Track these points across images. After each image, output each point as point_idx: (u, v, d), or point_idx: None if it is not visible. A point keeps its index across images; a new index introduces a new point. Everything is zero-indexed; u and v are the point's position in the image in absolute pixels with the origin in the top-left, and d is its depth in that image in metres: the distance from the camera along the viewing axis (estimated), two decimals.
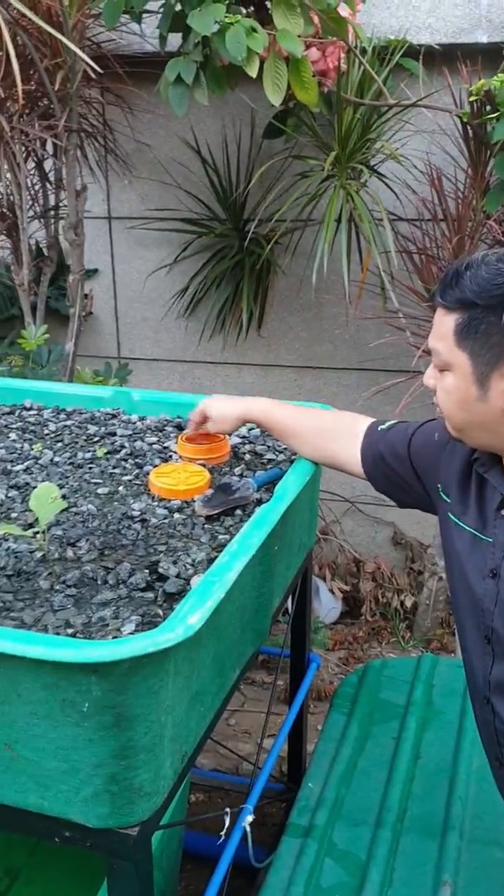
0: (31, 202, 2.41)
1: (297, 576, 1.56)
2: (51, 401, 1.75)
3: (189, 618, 0.92)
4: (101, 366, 2.48)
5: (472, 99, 1.89)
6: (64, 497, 1.33)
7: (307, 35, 1.86)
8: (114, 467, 1.46)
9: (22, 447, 1.52)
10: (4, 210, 2.36)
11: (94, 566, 1.12)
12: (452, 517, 1.11)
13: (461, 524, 1.09)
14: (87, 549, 1.17)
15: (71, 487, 1.37)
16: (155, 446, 1.54)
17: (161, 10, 1.90)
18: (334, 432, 1.34)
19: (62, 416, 1.68)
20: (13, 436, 1.58)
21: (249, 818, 1.32)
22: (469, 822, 1.40)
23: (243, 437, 1.60)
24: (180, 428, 1.62)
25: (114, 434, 1.59)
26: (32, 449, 1.51)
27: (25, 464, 1.45)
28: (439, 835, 1.37)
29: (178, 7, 1.83)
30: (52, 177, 2.46)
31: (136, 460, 1.49)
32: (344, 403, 2.66)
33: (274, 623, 1.33)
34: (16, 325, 2.61)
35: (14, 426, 1.63)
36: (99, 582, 1.09)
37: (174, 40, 1.94)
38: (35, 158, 2.37)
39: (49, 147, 2.37)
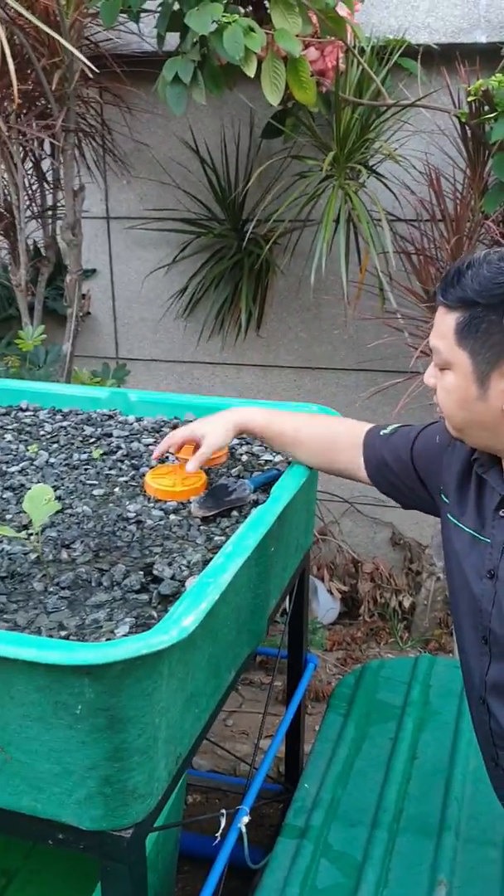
0: (28, 202, 2.41)
1: (294, 577, 1.56)
2: (47, 402, 1.75)
3: (183, 620, 0.92)
4: (99, 366, 2.48)
5: (470, 99, 1.89)
6: (59, 498, 1.33)
7: (305, 35, 1.86)
8: (110, 468, 1.46)
9: (17, 448, 1.52)
10: (2, 210, 2.36)
11: (89, 568, 1.12)
12: (452, 518, 1.11)
13: (460, 525, 1.09)
14: (81, 551, 1.17)
15: (66, 489, 1.37)
16: (151, 447, 1.54)
17: (159, 9, 1.90)
18: (334, 441, 1.32)
19: (58, 417, 1.68)
20: (9, 437, 1.58)
21: (245, 819, 1.32)
22: (465, 822, 1.40)
23: (241, 438, 1.60)
24: (177, 428, 1.61)
25: (110, 435, 1.59)
26: (28, 450, 1.51)
27: (21, 465, 1.45)
28: (435, 835, 1.36)
29: (176, 6, 1.83)
30: (49, 177, 2.45)
31: (133, 461, 1.48)
32: (343, 404, 2.66)
33: (271, 624, 1.33)
34: (13, 325, 2.61)
35: (10, 427, 1.63)
36: (93, 584, 1.09)
37: (173, 40, 1.94)
38: (33, 158, 2.37)
39: (47, 147, 2.37)
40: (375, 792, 1.46)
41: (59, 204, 2.44)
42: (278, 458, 1.51)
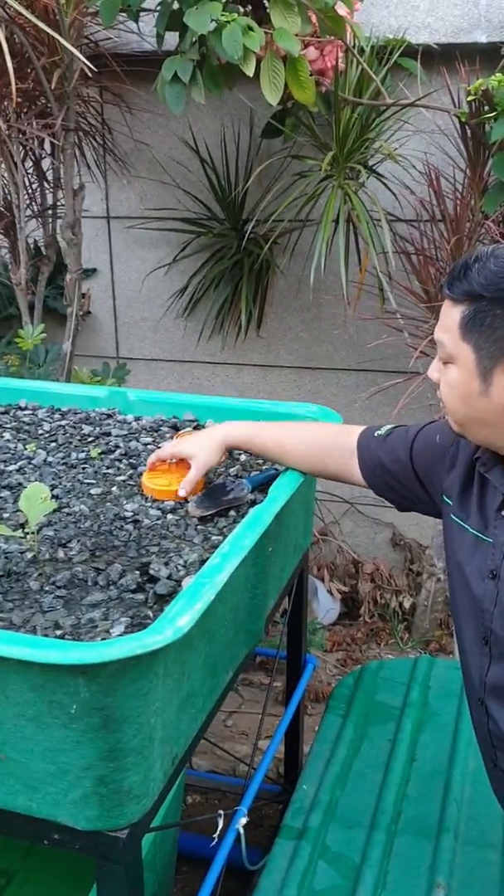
0: (28, 201, 2.41)
1: (292, 577, 1.56)
2: (46, 400, 1.75)
3: (178, 620, 0.91)
4: (100, 366, 2.48)
5: (469, 99, 1.88)
6: (56, 497, 1.33)
7: (305, 34, 1.86)
8: (108, 467, 1.45)
9: (16, 447, 1.52)
10: (2, 209, 2.36)
11: (85, 567, 1.11)
12: (455, 518, 1.10)
13: (464, 525, 1.08)
14: (78, 550, 1.16)
15: (64, 488, 1.36)
16: (150, 447, 1.54)
17: (158, 8, 1.89)
18: (326, 448, 1.31)
19: (57, 415, 1.68)
20: (7, 435, 1.57)
21: (243, 820, 1.32)
22: (464, 824, 1.39)
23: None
24: (176, 428, 1.61)
25: (108, 434, 1.59)
26: (26, 449, 1.51)
27: (18, 464, 1.45)
28: (434, 837, 1.36)
29: (176, 6, 1.83)
30: (49, 176, 2.45)
31: (131, 461, 1.48)
32: (343, 404, 2.66)
33: (271, 624, 1.33)
34: (14, 324, 2.61)
35: (8, 426, 1.62)
36: (89, 583, 1.08)
37: (172, 39, 1.94)
38: (33, 157, 2.37)
39: (47, 146, 2.37)
40: (374, 793, 1.46)
41: (59, 203, 2.44)
42: None
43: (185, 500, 1.32)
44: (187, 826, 1.80)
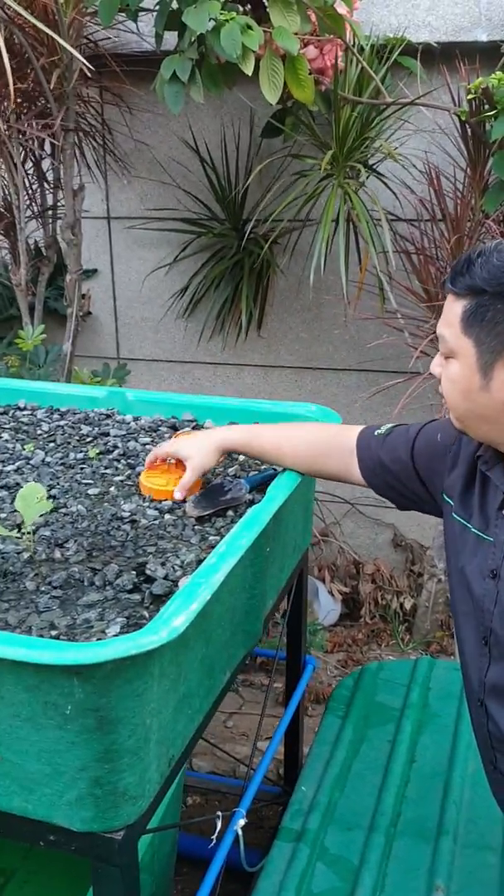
0: (28, 202, 2.41)
1: (292, 577, 1.55)
2: (45, 401, 1.75)
3: (173, 620, 0.91)
4: (100, 366, 2.47)
5: (469, 97, 1.87)
6: (54, 498, 1.32)
7: (304, 33, 1.85)
8: (105, 468, 1.45)
9: (14, 447, 1.52)
10: (2, 210, 2.36)
11: (82, 567, 1.11)
12: (457, 517, 1.10)
13: (468, 524, 1.08)
14: (74, 550, 1.16)
15: (61, 488, 1.36)
16: (148, 447, 1.53)
17: (157, 7, 1.89)
18: (325, 449, 1.30)
19: (56, 416, 1.68)
20: (6, 436, 1.57)
21: (241, 822, 1.31)
22: (463, 826, 1.38)
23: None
24: (175, 428, 1.60)
25: (107, 434, 1.58)
26: (24, 449, 1.51)
27: (17, 464, 1.44)
28: (433, 839, 1.35)
29: (175, 5, 1.83)
30: (49, 176, 2.45)
31: (129, 461, 1.48)
32: (344, 404, 2.65)
33: (272, 625, 1.32)
34: (15, 325, 2.61)
35: (7, 426, 1.62)
36: (85, 583, 1.08)
37: (173, 39, 1.93)
38: (33, 158, 2.37)
39: (47, 147, 2.37)
40: (373, 795, 1.45)
41: (59, 203, 2.43)
42: None
43: (183, 500, 1.31)
44: (187, 827, 1.79)
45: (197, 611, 0.94)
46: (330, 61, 2.00)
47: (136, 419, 1.66)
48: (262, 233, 2.48)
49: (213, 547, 1.15)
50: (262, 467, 1.46)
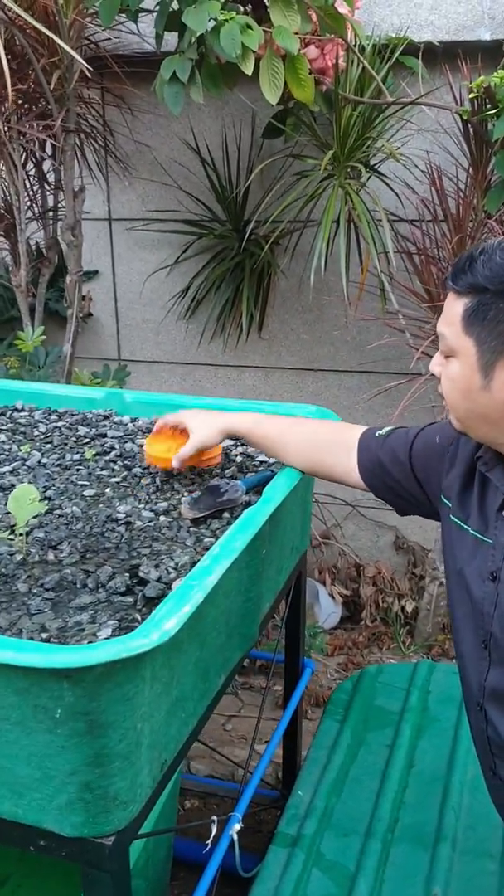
0: (29, 203, 2.40)
1: (289, 579, 1.54)
2: (43, 402, 1.74)
3: (165, 623, 0.90)
4: (101, 368, 2.47)
5: (472, 96, 1.86)
6: (49, 499, 1.32)
7: (305, 32, 1.84)
8: (102, 469, 1.44)
9: (10, 448, 1.51)
10: (2, 211, 2.36)
11: (75, 569, 1.10)
12: (455, 519, 1.08)
13: (465, 526, 1.06)
14: (68, 552, 1.15)
15: (57, 489, 1.35)
16: (145, 448, 1.52)
17: (157, 8, 1.89)
18: (326, 444, 1.29)
19: (53, 417, 1.67)
20: (2, 437, 1.57)
21: (237, 826, 1.30)
22: (462, 832, 1.36)
23: (235, 439, 1.58)
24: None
25: (104, 436, 1.57)
26: (20, 450, 1.50)
27: (12, 465, 1.44)
28: (431, 846, 1.33)
29: (175, 6, 1.82)
30: (50, 178, 2.45)
31: (126, 462, 1.47)
32: (345, 406, 2.64)
33: (272, 627, 1.31)
34: (16, 326, 2.60)
35: (4, 427, 1.61)
36: (78, 585, 1.07)
37: (174, 40, 1.93)
38: (34, 160, 2.37)
39: (48, 148, 2.36)
40: (370, 800, 1.43)
41: (59, 205, 2.43)
42: (273, 460, 1.49)
43: (179, 472, 1.33)
44: (184, 831, 1.78)
45: (189, 613, 0.93)
46: (331, 61, 1.99)
47: (133, 420, 1.65)
48: (262, 234, 2.47)
49: (207, 549, 1.14)
50: (260, 469, 1.45)
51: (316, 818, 1.40)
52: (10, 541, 1.13)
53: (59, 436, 1.58)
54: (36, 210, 2.46)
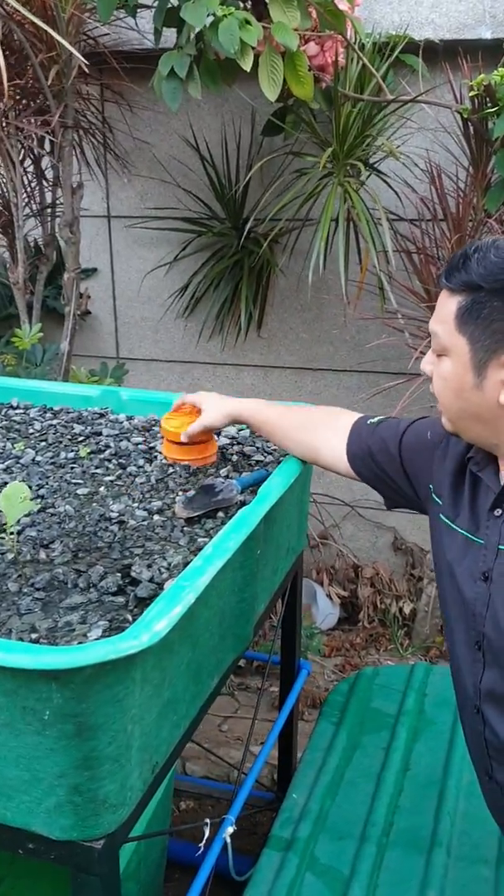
0: (27, 200, 2.39)
1: (285, 580, 1.53)
2: (38, 399, 1.73)
3: (155, 624, 0.89)
4: (99, 366, 2.45)
5: (472, 94, 1.85)
6: (42, 497, 1.30)
7: (305, 29, 1.83)
8: (96, 467, 1.43)
9: (4, 446, 1.50)
10: (0, 208, 2.35)
11: (66, 569, 1.09)
12: (445, 519, 1.07)
13: (454, 526, 1.05)
14: (60, 551, 1.14)
15: (50, 488, 1.34)
16: (141, 446, 1.51)
17: (155, 3, 1.87)
18: (318, 425, 1.31)
19: (48, 415, 1.66)
20: None
21: (230, 829, 1.29)
22: (457, 838, 1.35)
23: (232, 437, 1.57)
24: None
25: (99, 434, 1.56)
26: (14, 448, 1.49)
27: (6, 463, 1.42)
28: (426, 851, 1.32)
29: (174, 1, 1.81)
30: (49, 174, 2.43)
31: (120, 460, 1.45)
32: (344, 405, 2.59)
33: (268, 629, 1.30)
34: (13, 323, 2.59)
35: None
36: (69, 585, 1.06)
37: (173, 37, 1.91)
38: (32, 156, 2.35)
39: (47, 145, 2.35)
40: (365, 804, 1.42)
41: (58, 201, 2.42)
42: (269, 459, 1.48)
43: (187, 442, 1.37)
44: (179, 832, 1.77)
45: (180, 615, 0.92)
46: (330, 58, 1.98)
47: (129, 419, 1.64)
48: (262, 232, 2.45)
49: (201, 549, 1.12)
50: (256, 468, 1.44)
51: (310, 821, 1.39)
52: (1, 539, 1.12)
53: (53, 434, 1.56)
54: (34, 207, 2.44)
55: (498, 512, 0.99)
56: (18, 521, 1.18)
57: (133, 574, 1.06)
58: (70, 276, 2.32)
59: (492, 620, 0.99)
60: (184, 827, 1.49)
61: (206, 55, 1.79)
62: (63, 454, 1.47)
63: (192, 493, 1.31)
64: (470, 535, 1.02)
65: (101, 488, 1.35)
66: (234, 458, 1.48)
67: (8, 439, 1.54)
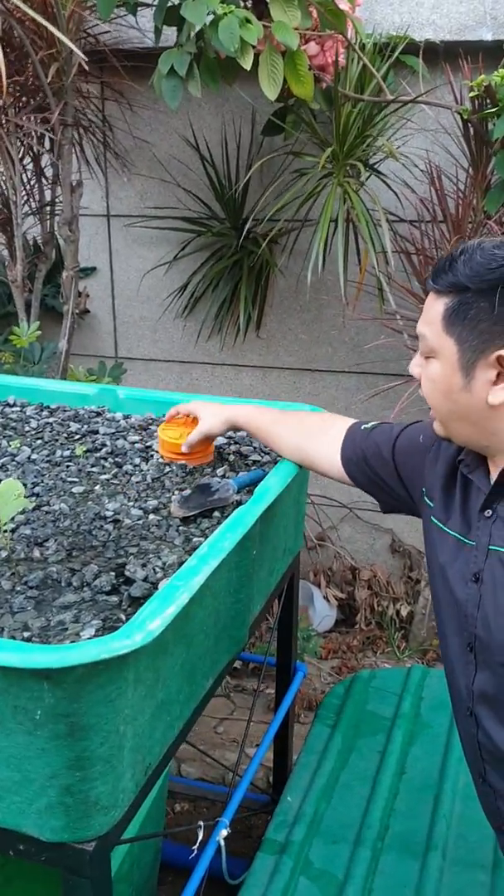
0: (26, 198, 2.38)
1: (282, 581, 1.52)
2: (35, 397, 1.72)
3: (148, 624, 0.88)
4: (97, 365, 2.44)
5: (472, 95, 1.84)
6: (37, 495, 1.29)
7: (305, 28, 1.82)
8: (92, 466, 1.42)
9: (0, 444, 1.49)
10: None
11: (60, 567, 1.08)
12: (436, 521, 1.07)
13: (445, 528, 1.05)
14: (54, 550, 1.13)
15: (45, 486, 1.33)
16: (137, 445, 1.50)
17: (156, 1, 1.87)
18: (313, 431, 1.32)
19: (45, 413, 1.65)
20: None
21: (224, 832, 1.28)
22: (453, 842, 1.34)
23: (229, 437, 1.56)
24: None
25: (96, 432, 1.55)
26: (10, 446, 1.48)
27: (1, 460, 1.41)
28: (421, 855, 1.31)
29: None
30: (48, 172, 2.43)
31: (116, 459, 1.45)
32: (342, 406, 2.62)
33: (264, 630, 1.29)
34: (12, 322, 2.58)
35: None
36: (63, 584, 1.05)
37: (174, 36, 1.91)
38: (31, 154, 2.34)
39: (46, 143, 2.34)
40: (360, 807, 1.41)
41: (57, 199, 2.41)
42: (266, 459, 1.47)
43: (188, 453, 1.38)
44: (174, 835, 1.75)
45: (174, 615, 0.91)
46: (331, 58, 1.98)
47: (126, 417, 1.63)
48: (261, 232, 2.45)
49: (196, 548, 1.11)
50: (253, 468, 1.43)
51: (305, 825, 1.37)
52: None
53: (50, 432, 1.55)
54: (33, 205, 2.43)
55: (488, 513, 0.99)
56: (13, 518, 1.17)
57: (127, 573, 1.05)
58: (69, 275, 2.31)
59: (482, 622, 0.98)
60: (178, 829, 1.48)
61: (207, 54, 1.78)
62: (59, 452, 1.46)
63: (188, 492, 1.30)
64: (461, 538, 1.02)
65: (97, 487, 1.34)
66: (231, 457, 1.47)
67: (4, 437, 1.53)
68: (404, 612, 2.61)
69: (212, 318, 2.66)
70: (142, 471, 1.40)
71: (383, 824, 1.37)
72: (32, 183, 2.41)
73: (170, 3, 1.82)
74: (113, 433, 1.55)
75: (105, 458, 1.45)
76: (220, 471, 1.40)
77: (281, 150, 2.34)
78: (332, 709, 1.68)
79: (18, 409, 1.67)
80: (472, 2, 2.16)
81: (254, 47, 1.70)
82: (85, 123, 2.40)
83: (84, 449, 1.47)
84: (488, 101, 1.83)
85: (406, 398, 2.06)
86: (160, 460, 1.43)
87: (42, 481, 1.35)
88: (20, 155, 2.23)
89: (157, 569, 1.08)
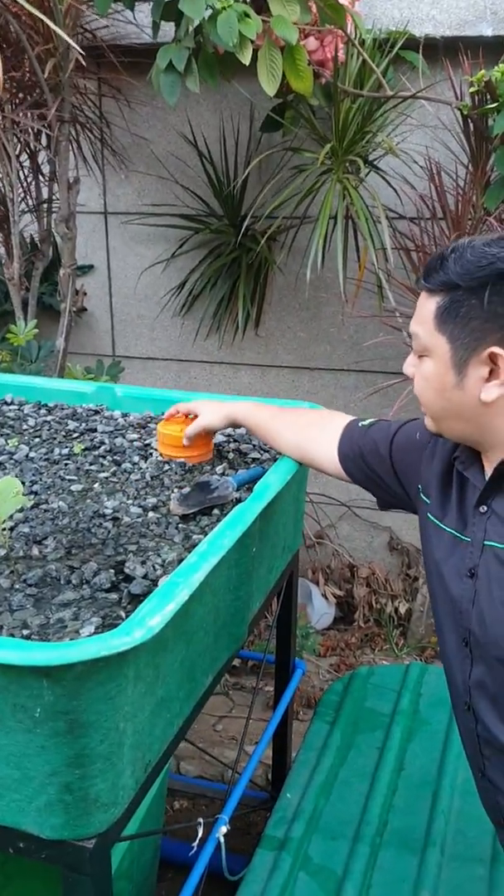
0: (23, 195, 2.37)
1: (281, 579, 1.52)
2: (33, 396, 1.71)
3: (148, 621, 0.87)
4: (95, 364, 2.44)
5: (472, 90, 1.84)
6: (35, 494, 1.29)
7: (304, 23, 1.82)
8: (91, 464, 1.41)
9: None
10: None
11: (59, 565, 1.07)
12: (432, 518, 1.08)
13: (441, 525, 1.06)
14: (53, 548, 1.12)
15: (43, 484, 1.33)
16: (136, 443, 1.50)
17: None
18: (310, 427, 1.32)
19: (43, 411, 1.64)
20: None
21: (223, 829, 1.28)
22: (451, 837, 1.34)
23: (228, 435, 1.56)
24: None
25: (94, 430, 1.55)
26: (8, 444, 1.47)
27: None
28: (419, 850, 1.31)
29: None
30: (45, 169, 2.42)
31: (115, 457, 1.44)
32: (341, 405, 2.61)
33: (263, 628, 1.29)
34: (9, 320, 2.57)
35: None
36: (62, 582, 1.04)
37: (172, 32, 1.90)
38: (28, 150, 2.34)
39: (43, 140, 2.33)
40: (359, 803, 1.41)
41: (54, 197, 2.40)
42: (265, 457, 1.47)
43: (188, 446, 1.38)
44: (173, 832, 1.76)
45: (174, 612, 0.91)
46: (330, 53, 1.97)
47: (124, 415, 1.63)
48: (260, 229, 2.44)
49: (196, 546, 1.11)
50: (252, 466, 1.43)
51: (304, 821, 1.38)
52: None
53: (48, 430, 1.55)
54: (30, 202, 2.42)
55: (483, 509, 1.00)
56: (11, 516, 1.17)
57: (127, 571, 1.05)
58: (66, 273, 2.30)
59: (478, 617, 0.99)
60: (177, 826, 1.48)
61: (205, 49, 1.78)
62: (57, 450, 1.46)
63: (187, 489, 1.30)
64: (458, 534, 1.03)
65: (96, 485, 1.33)
66: (231, 455, 1.47)
67: (1, 435, 1.52)
68: (402, 610, 2.61)
69: (210, 316, 2.65)
70: (141, 469, 1.40)
71: (382, 820, 1.37)
72: (29, 180, 2.40)
73: None
74: (111, 431, 1.55)
75: (104, 456, 1.45)
76: (219, 468, 1.40)
77: (279, 146, 2.34)
78: (331, 706, 1.69)
79: (16, 407, 1.67)
80: None
81: (252, 42, 1.70)
82: (82, 120, 2.39)
83: (82, 447, 1.47)
84: (488, 96, 1.83)
85: (405, 396, 2.06)
86: (159, 458, 1.43)
87: (40, 479, 1.34)
88: (17, 152, 2.22)
89: (157, 566, 1.08)
